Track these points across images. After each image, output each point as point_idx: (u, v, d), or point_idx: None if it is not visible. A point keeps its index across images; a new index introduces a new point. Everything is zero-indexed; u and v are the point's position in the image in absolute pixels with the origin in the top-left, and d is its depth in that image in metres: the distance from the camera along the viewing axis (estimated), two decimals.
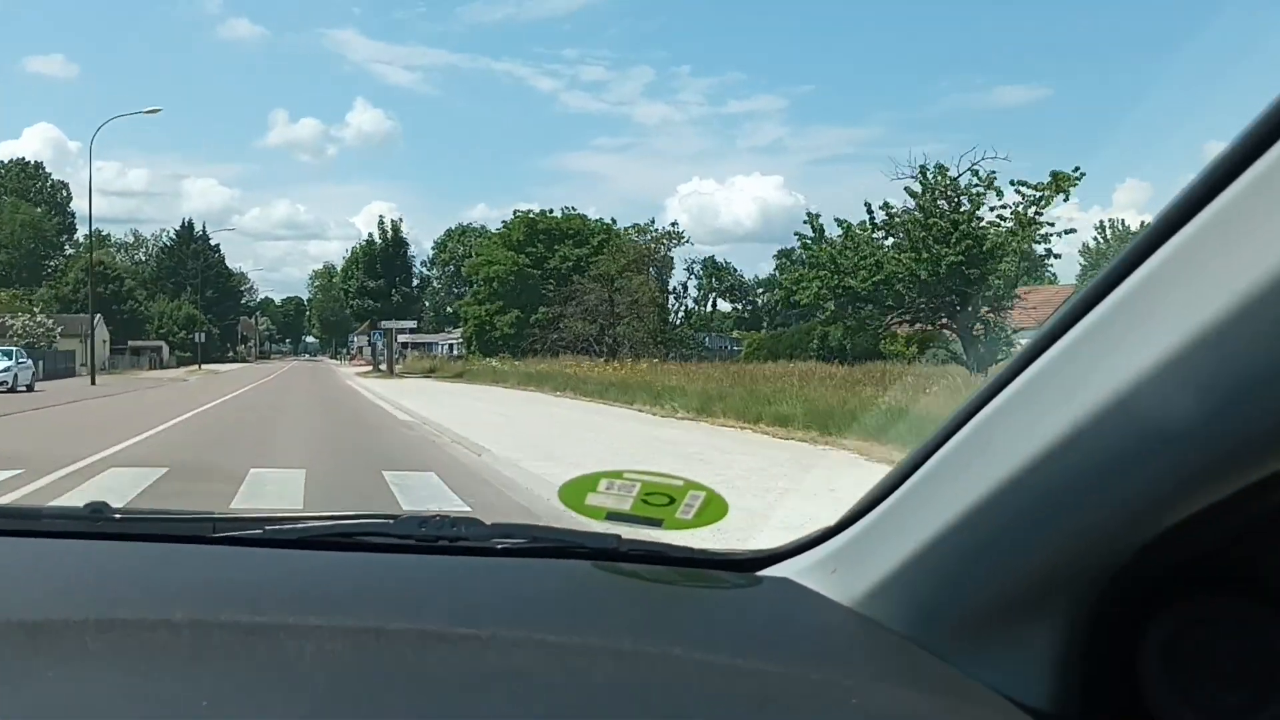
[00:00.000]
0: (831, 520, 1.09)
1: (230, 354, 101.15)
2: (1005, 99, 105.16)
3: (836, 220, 25.58)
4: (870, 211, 25.39)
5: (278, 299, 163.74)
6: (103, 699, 0.73)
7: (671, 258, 50.27)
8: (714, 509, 1.20)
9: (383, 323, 54.28)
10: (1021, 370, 0.78)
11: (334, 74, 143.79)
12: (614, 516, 1.19)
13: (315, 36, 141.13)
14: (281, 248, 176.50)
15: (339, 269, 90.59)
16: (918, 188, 24.54)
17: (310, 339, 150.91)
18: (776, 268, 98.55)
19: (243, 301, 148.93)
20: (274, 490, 8.79)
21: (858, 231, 25.18)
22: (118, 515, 1.24)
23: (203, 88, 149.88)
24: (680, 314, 54.46)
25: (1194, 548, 0.76)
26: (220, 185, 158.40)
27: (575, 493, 1.21)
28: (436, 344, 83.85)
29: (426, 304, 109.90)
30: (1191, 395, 0.63)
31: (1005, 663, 0.85)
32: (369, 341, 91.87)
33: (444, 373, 50.22)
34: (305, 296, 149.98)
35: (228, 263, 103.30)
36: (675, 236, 49.67)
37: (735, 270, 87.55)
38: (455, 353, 79.52)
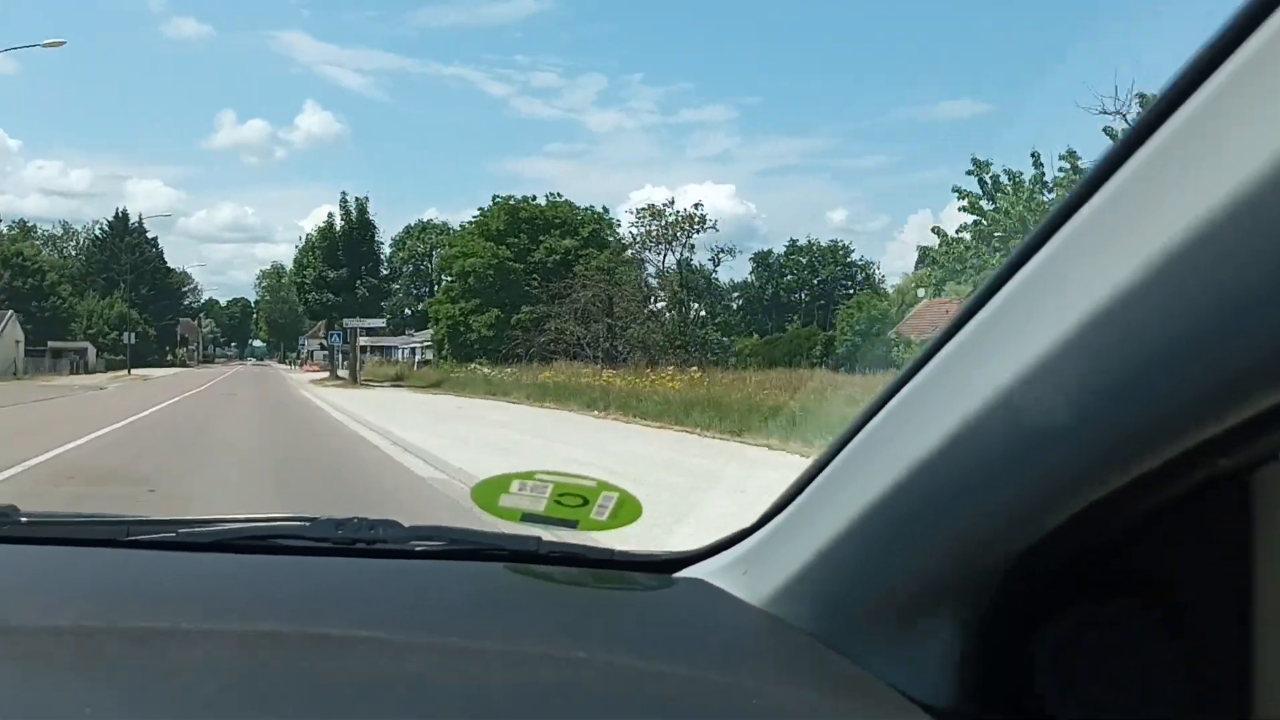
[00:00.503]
0: None
1: (169, 357, 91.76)
2: (950, 113, 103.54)
3: (1006, 172, 17.92)
4: (1039, 164, 17.80)
5: (223, 301, 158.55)
6: None
7: (694, 244, 42.22)
8: (628, 510, 1.19)
9: (345, 321, 45.01)
10: (919, 369, 0.79)
11: (282, 76, 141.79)
12: (529, 518, 1.17)
13: (263, 37, 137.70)
14: (227, 250, 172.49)
15: (290, 266, 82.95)
16: (1122, 126, 17.09)
17: (257, 343, 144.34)
18: (752, 271, 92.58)
19: (186, 303, 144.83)
20: None
21: (1030, 190, 17.60)
22: (24, 519, 1.19)
23: (147, 87, 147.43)
24: (703, 312, 46.21)
25: (1082, 546, 0.76)
26: (165, 186, 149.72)
27: (488, 493, 1.18)
28: (397, 347, 75.43)
29: (382, 305, 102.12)
30: (1066, 396, 0.64)
31: (907, 660, 0.85)
32: (323, 344, 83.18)
33: (416, 381, 42.11)
34: (252, 298, 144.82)
35: (169, 261, 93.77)
36: (699, 221, 41.66)
37: (713, 272, 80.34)
38: (419, 357, 71.24)
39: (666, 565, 1.17)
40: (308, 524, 1.18)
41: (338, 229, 46.80)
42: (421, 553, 1.16)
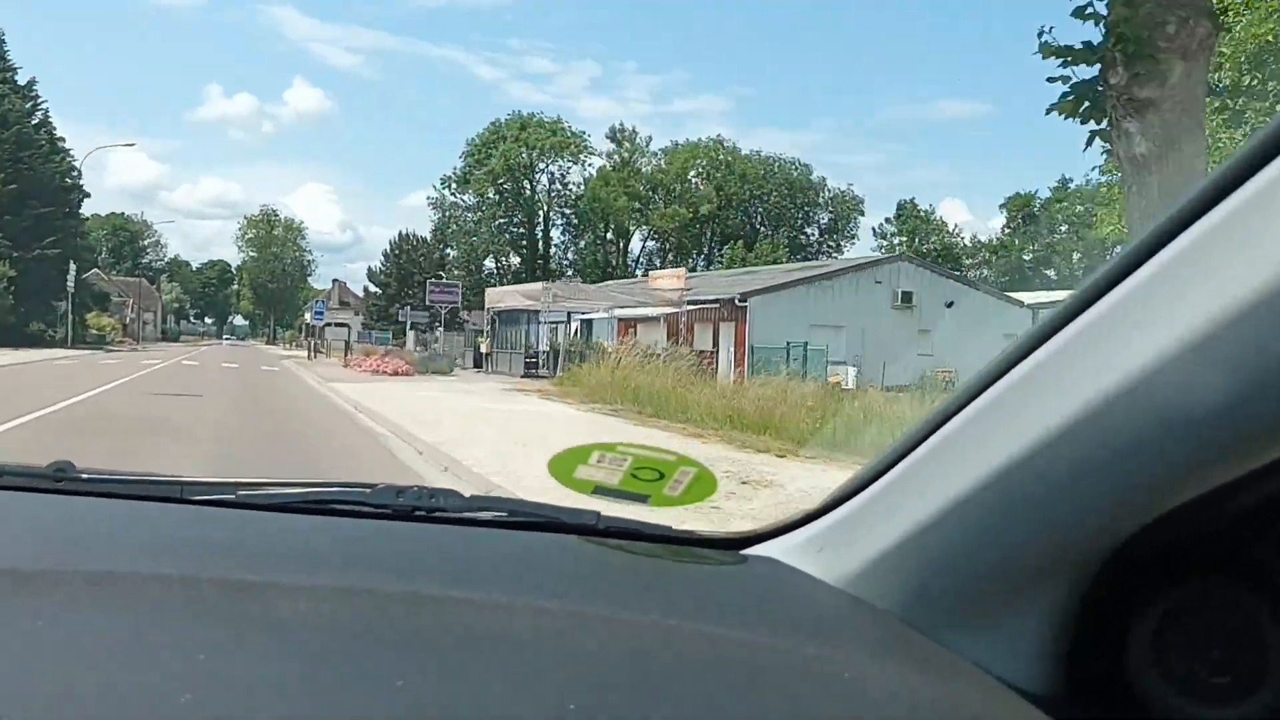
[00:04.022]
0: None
1: (80, 329, 44.66)
2: (947, 112, 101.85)
3: None
4: None
5: (195, 264, 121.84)
6: (98, 648, 0.68)
7: None
8: (702, 486, 1.12)
9: None
10: (1033, 350, 0.74)
11: (272, 50, 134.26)
12: (601, 490, 1.11)
13: (252, 11, 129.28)
14: (211, 227, 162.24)
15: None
16: None
17: (239, 320, 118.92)
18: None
19: (143, 260, 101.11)
20: None
21: None
22: (84, 475, 1.13)
23: (132, 54, 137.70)
24: None
25: (1190, 531, 0.74)
26: (149, 159, 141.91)
27: (565, 465, 1.11)
28: (536, 318, 28.91)
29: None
30: (1213, 381, 0.61)
31: (997, 642, 0.82)
32: (429, 311, 37.34)
33: None
34: (235, 261, 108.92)
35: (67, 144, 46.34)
36: None
37: None
38: (566, 338, 24.32)
39: (732, 543, 1.10)
40: (367, 490, 1.11)
41: None
42: (483, 521, 1.10)
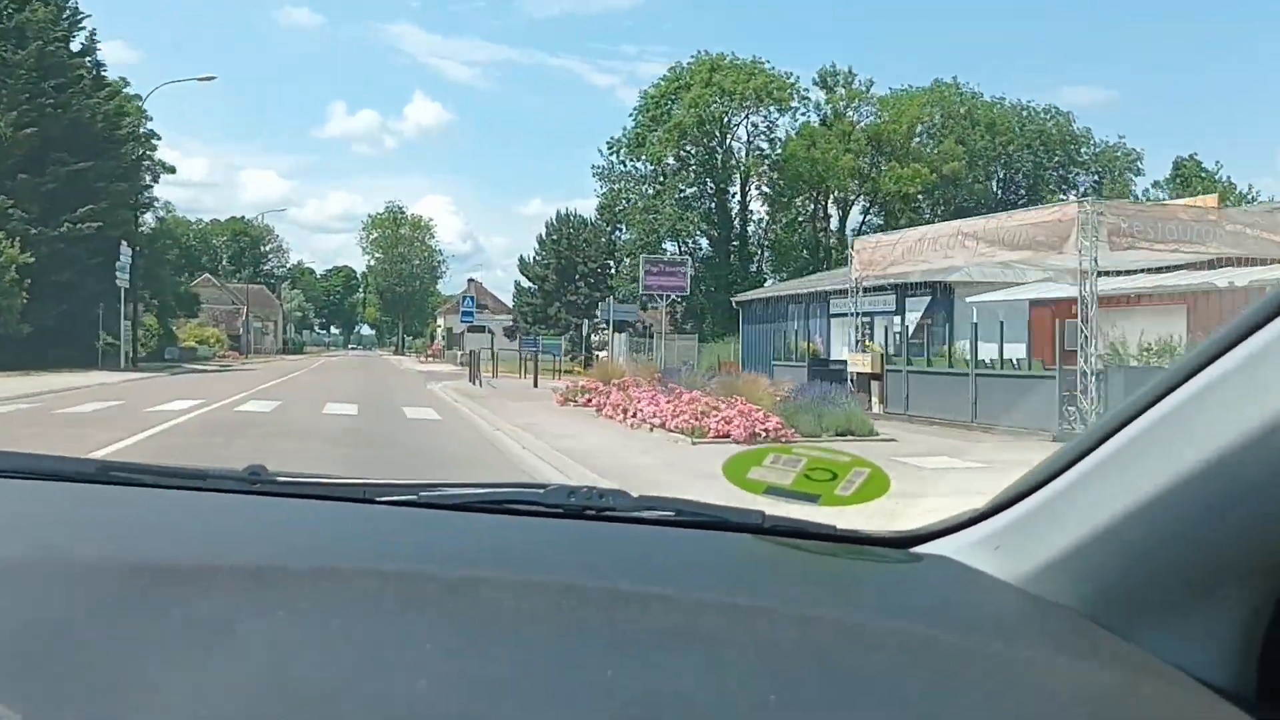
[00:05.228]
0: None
1: (134, 342, 31.87)
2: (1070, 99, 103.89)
3: None
4: None
5: (320, 270, 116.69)
6: (334, 636, 0.72)
7: None
8: (875, 485, 1.11)
9: None
10: (1232, 348, 0.70)
11: (392, 67, 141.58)
12: (772, 491, 1.11)
13: (373, 29, 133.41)
14: (337, 241, 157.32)
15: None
16: None
17: (365, 329, 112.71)
18: None
19: (264, 267, 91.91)
20: None
21: None
22: (279, 479, 1.19)
23: (260, 76, 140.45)
24: None
25: None
26: (279, 177, 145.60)
27: (739, 467, 1.13)
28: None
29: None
30: None
31: (1188, 640, 0.79)
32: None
33: None
34: (359, 267, 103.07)
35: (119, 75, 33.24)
36: None
37: None
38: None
39: (902, 542, 1.08)
40: (541, 490, 1.14)
41: None
42: (651, 520, 1.10)
